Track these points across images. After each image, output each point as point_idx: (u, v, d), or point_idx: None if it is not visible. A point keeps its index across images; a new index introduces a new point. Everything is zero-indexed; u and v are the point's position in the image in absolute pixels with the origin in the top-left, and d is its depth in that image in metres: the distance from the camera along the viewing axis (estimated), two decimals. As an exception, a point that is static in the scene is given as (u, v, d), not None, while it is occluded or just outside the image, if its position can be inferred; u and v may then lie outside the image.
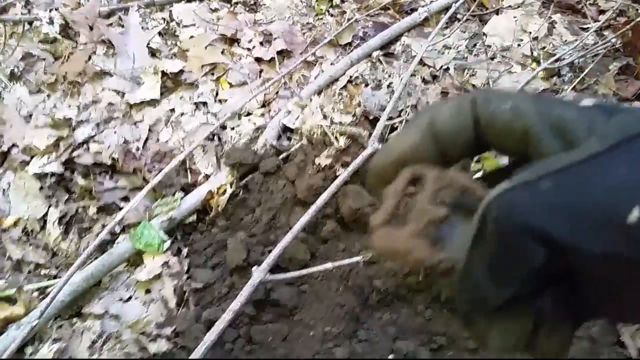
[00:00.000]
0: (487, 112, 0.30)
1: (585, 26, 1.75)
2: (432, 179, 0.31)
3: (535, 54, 1.69)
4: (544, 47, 1.70)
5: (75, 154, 1.41)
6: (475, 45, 1.72)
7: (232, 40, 1.74)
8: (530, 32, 1.73)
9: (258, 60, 1.69)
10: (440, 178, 0.31)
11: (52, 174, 1.37)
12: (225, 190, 1.36)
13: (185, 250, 1.28)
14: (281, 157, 1.43)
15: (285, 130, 1.51)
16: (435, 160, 0.32)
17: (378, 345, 1.17)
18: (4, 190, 1.36)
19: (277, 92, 1.61)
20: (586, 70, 1.63)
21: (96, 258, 1.24)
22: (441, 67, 1.65)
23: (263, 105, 1.58)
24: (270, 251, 1.21)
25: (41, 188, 1.36)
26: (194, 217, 1.34)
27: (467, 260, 0.28)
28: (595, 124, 0.27)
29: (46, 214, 1.33)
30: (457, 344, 1.16)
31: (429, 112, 0.32)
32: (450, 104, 0.32)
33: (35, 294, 1.20)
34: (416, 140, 0.32)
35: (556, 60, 1.64)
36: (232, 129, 1.51)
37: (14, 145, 1.44)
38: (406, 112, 1.48)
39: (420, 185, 0.31)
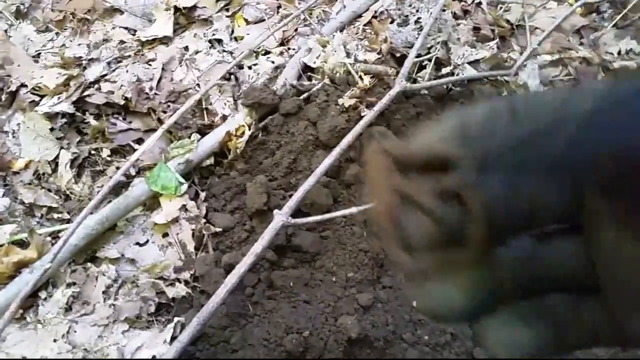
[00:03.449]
0: None
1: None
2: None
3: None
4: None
5: (86, 93, 1.34)
6: (509, -22, 1.59)
7: (248, -26, 1.63)
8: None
9: (275, -6, 1.59)
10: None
11: (63, 115, 1.31)
12: (243, 132, 1.29)
13: (203, 194, 1.22)
14: (302, 97, 1.35)
15: (306, 69, 1.42)
16: None
17: (402, 292, 1.13)
18: (13, 131, 1.30)
19: (296, 29, 1.51)
20: (629, 6, 1.51)
21: (110, 201, 1.19)
22: (473, 1, 1.53)
23: (282, 43, 1.49)
24: (291, 195, 1.15)
25: (52, 129, 1.30)
26: (211, 160, 1.28)
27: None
28: None
29: (58, 156, 1.27)
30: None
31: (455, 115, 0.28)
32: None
33: (48, 238, 1.16)
34: (444, 135, 0.26)
35: (596, -5, 1.52)
36: (250, 67, 1.43)
37: (22, 85, 1.38)
38: (436, 48, 1.38)
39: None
